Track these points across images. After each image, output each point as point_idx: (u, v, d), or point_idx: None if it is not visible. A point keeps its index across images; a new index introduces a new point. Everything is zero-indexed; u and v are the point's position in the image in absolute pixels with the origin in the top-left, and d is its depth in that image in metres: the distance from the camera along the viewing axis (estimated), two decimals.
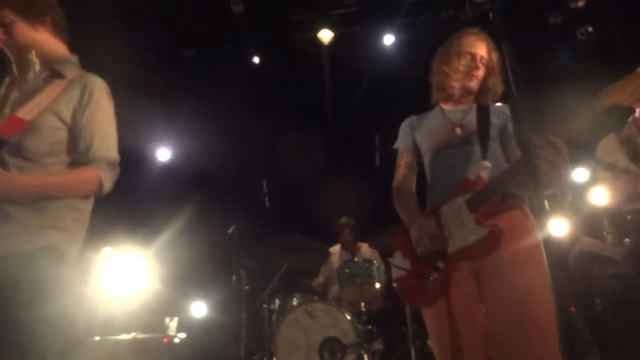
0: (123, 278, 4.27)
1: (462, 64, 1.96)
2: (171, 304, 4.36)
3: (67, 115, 1.62)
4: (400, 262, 1.88)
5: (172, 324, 3.77)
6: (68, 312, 1.50)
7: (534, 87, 1.33)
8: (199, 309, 4.92)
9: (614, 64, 4.49)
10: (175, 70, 5.24)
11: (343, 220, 4.69)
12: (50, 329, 1.44)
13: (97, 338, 3.25)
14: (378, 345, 3.42)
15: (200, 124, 5.25)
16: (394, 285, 1.93)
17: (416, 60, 2.38)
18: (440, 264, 1.71)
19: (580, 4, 4.48)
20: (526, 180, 1.52)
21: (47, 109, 1.58)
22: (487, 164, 1.74)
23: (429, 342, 3.64)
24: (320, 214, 4.97)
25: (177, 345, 3.70)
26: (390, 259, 1.94)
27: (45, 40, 1.72)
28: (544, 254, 0.91)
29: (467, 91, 2.00)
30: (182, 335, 3.83)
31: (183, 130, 5.41)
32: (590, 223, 3.47)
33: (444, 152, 1.91)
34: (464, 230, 1.68)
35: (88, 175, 1.60)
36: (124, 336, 3.42)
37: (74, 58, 1.78)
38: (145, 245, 4.58)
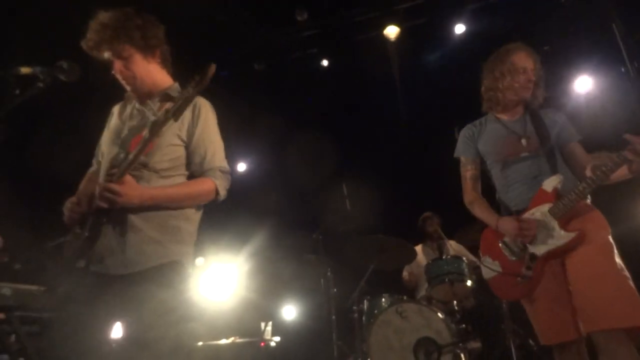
0: (218, 286, 4.52)
1: (516, 80, 2.16)
2: (264, 309, 4.52)
3: (183, 133, 1.83)
4: (490, 265, 2.14)
5: (268, 328, 3.91)
6: (187, 322, 1.66)
7: None
8: (290, 312, 5.06)
9: None
10: (248, 84, 5.44)
11: (427, 213, 4.63)
12: (177, 340, 1.60)
13: (201, 343, 3.46)
14: (476, 344, 3.30)
15: (276, 134, 5.40)
16: (489, 284, 2.16)
17: (490, 47, 2.33)
18: (532, 264, 1.98)
19: None
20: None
21: (164, 129, 1.74)
22: (560, 176, 2.01)
23: (531, 340, 3.45)
24: (401, 213, 4.90)
25: (274, 348, 3.84)
26: (479, 261, 2.17)
27: (155, 70, 1.93)
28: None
29: (520, 101, 2.21)
30: (277, 338, 3.96)
31: (261, 141, 5.60)
32: None
33: (514, 164, 2.13)
34: (550, 235, 1.96)
35: (206, 185, 1.80)
36: (224, 341, 3.61)
37: (177, 85, 1.98)
38: (234, 254, 4.81)
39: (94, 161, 2.03)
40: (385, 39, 4.89)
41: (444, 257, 3.86)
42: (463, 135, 2.36)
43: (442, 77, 5.10)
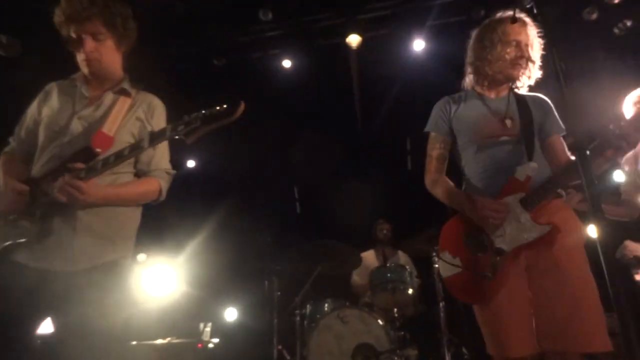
0: (157, 284, 4.37)
1: (507, 52, 1.91)
2: (205, 310, 4.42)
3: (135, 131, 1.83)
4: (449, 262, 1.87)
5: (207, 329, 3.82)
6: (122, 317, 1.65)
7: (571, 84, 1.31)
8: (232, 314, 4.97)
9: None
10: (206, 80, 5.33)
11: (379, 219, 4.72)
12: (112, 331, 1.60)
13: (134, 343, 3.33)
14: (412, 352, 3.37)
15: (229, 132, 5.30)
16: (446, 284, 1.93)
17: (447, 63, 2.35)
18: (498, 261, 1.76)
19: (615, 1, 4.32)
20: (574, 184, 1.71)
21: (122, 125, 1.78)
22: (534, 164, 1.80)
23: (464, 349, 3.57)
24: (352, 219, 4.94)
25: (211, 350, 3.75)
26: (437, 257, 2.02)
27: (118, 61, 1.91)
28: (601, 257, 1.04)
29: (507, 79, 1.97)
30: (216, 340, 3.88)
31: (212, 138, 5.48)
32: (634, 227, 3.37)
33: (491, 148, 1.89)
34: (521, 228, 1.75)
35: (153, 186, 1.83)
36: (160, 341, 3.49)
37: (126, 75, 1.95)
38: (177, 252, 4.68)
39: (12, 139, 1.92)
40: (347, 47, 4.94)
41: (388, 264, 3.94)
42: (438, 109, 2.07)
43: (400, 90, 5.21)
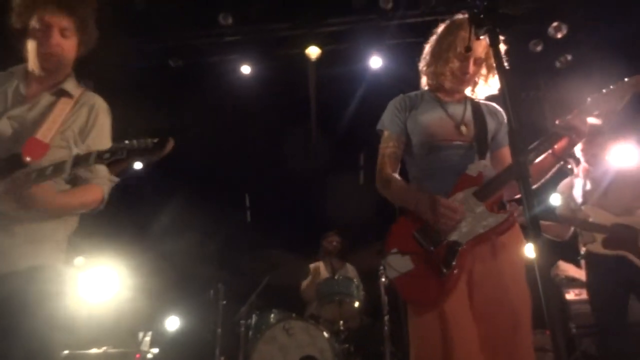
0: (96, 289, 4.16)
1: (457, 67, 1.89)
2: (145, 318, 4.24)
3: (75, 135, 1.71)
4: (398, 261, 1.78)
5: (146, 338, 3.68)
6: (60, 322, 1.58)
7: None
8: (174, 323, 4.80)
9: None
10: (163, 80, 5.20)
11: (330, 232, 4.72)
12: (54, 335, 1.55)
13: (66, 352, 3.14)
14: None
15: (180, 136, 5.17)
16: (395, 285, 1.81)
17: (402, 82, 2.40)
18: (453, 257, 1.68)
19: (559, 35, 4.63)
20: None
21: (60, 130, 1.66)
22: (486, 162, 1.82)
23: None
24: (302, 230, 4.94)
25: None
26: (384, 258, 1.83)
27: (71, 63, 1.80)
28: (537, 274, 1.08)
29: (454, 90, 1.98)
30: (156, 350, 3.73)
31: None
32: (566, 248, 3.58)
33: (444, 151, 1.86)
34: (477, 219, 1.72)
35: (98, 195, 1.73)
36: (95, 351, 3.32)
37: (71, 75, 1.83)
38: (118, 256, 4.48)
39: None
40: (306, 59, 4.98)
41: (336, 277, 3.96)
42: (393, 107, 2.01)
43: (355, 105, 5.30)
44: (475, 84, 1.99)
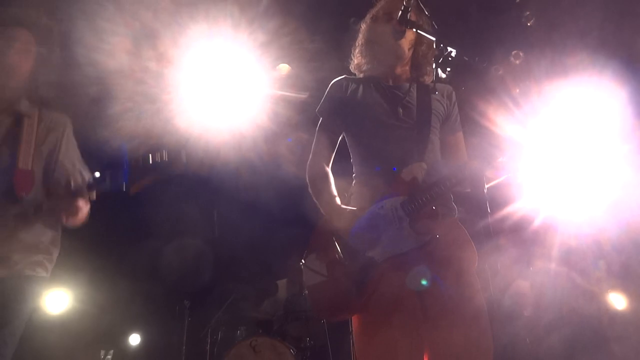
0: (53, 305, 4.02)
1: (388, 59, 1.78)
2: (106, 335, 4.12)
3: (47, 154, 1.72)
4: (315, 266, 1.61)
5: (108, 357, 3.59)
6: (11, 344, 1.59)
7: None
8: (136, 340, 4.68)
9: None
10: None
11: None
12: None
13: None
14: None
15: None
16: (309, 295, 1.69)
17: None
18: (368, 273, 1.53)
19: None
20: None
21: (35, 155, 1.65)
22: (424, 165, 1.64)
23: None
24: (270, 247, 4.93)
25: None
26: (302, 262, 1.66)
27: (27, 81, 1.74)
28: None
29: (388, 75, 1.82)
30: None
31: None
32: None
33: (381, 137, 1.71)
34: (398, 236, 1.54)
35: (87, 208, 1.75)
36: None
37: (25, 100, 1.77)
38: (76, 270, 4.34)
39: None
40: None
41: (303, 293, 3.98)
42: (333, 90, 1.85)
43: None
44: (419, 65, 1.83)
